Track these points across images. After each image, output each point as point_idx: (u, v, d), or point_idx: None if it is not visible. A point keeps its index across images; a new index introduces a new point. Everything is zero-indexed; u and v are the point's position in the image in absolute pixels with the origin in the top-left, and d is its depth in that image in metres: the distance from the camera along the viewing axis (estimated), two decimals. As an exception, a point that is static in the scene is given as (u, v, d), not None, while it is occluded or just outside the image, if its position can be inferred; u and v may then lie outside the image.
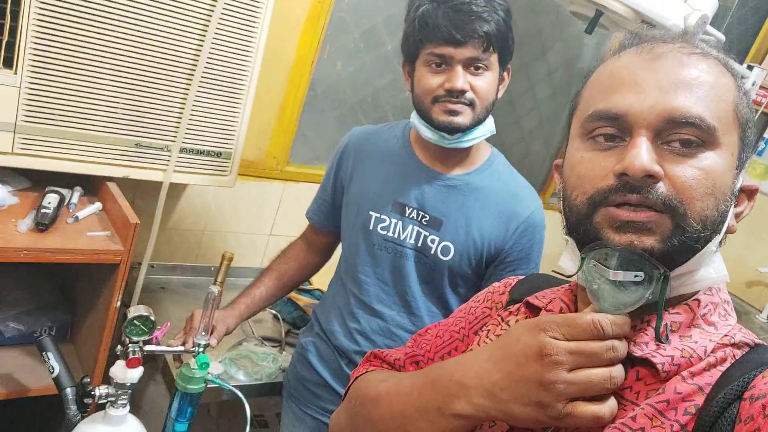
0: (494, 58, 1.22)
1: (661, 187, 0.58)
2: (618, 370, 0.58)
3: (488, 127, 1.28)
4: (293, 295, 1.97)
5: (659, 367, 0.59)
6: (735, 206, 0.63)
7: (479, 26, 1.16)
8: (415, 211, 1.30)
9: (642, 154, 0.58)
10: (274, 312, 1.93)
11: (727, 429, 0.54)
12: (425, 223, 1.29)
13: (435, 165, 1.31)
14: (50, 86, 1.33)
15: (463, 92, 1.19)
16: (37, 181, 1.48)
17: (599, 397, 0.58)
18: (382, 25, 2.04)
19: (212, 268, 2.01)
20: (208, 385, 1.36)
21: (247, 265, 2.12)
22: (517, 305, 0.80)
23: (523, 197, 1.31)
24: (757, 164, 2.72)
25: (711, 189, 0.58)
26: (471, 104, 1.21)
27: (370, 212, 1.33)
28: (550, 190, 2.85)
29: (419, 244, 1.30)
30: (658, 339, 0.60)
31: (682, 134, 0.58)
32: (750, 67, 2.34)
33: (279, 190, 2.10)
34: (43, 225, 1.30)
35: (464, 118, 1.21)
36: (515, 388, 0.60)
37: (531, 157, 2.73)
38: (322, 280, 1.92)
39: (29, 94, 1.31)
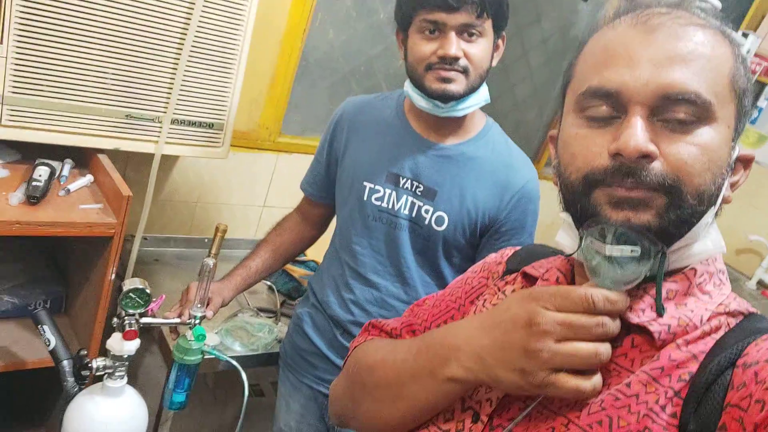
0: (488, 25, 1.20)
1: (657, 167, 0.57)
2: (605, 347, 0.58)
3: (482, 95, 1.27)
4: (288, 266, 1.97)
5: (656, 335, 0.60)
6: (731, 176, 0.63)
7: None
8: (409, 181, 1.30)
9: (637, 133, 0.57)
10: (269, 283, 1.93)
11: (720, 395, 0.55)
12: (419, 193, 1.29)
13: (429, 135, 1.30)
14: (38, 57, 1.30)
15: (456, 59, 1.18)
16: (26, 153, 1.46)
17: (585, 372, 0.58)
18: (374, -8, 2.00)
19: (206, 240, 2.01)
20: (205, 357, 1.37)
21: (241, 236, 2.11)
22: (513, 275, 0.80)
23: (518, 167, 1.31)
24: (751, 132, 2.72)
25: (707, 164, 0.58)
26: (465, 71, 1.19)
27: (365, 183, 1.33)
28: (544, 159, 2.85)
29: (413, 215, 1.30)
30: (659, 313, 0.61)
31: (677, 110, 0.58)
32: (745, 35, 2.33)
33: (272, 161, 2.09)
34: (34, 198, 1.28)
35: (458, 85, 1.20)
36: (501, 354, 0.61)
37: (525, 125, 2.72)
38: (316, 251, 1.92)
39: (17, 64, 1.28)
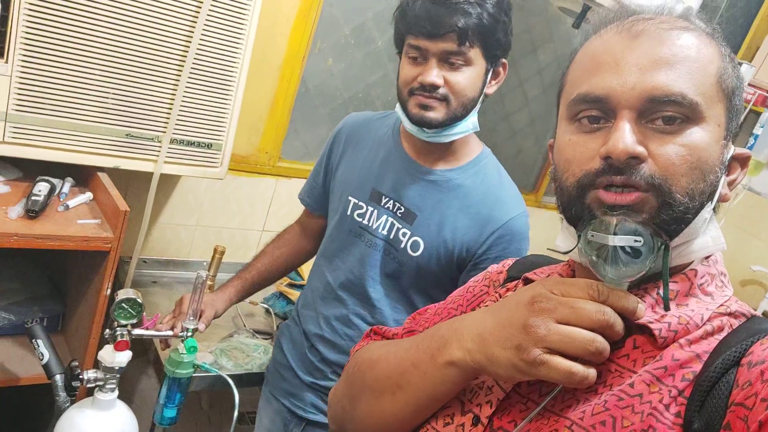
0: (475, 53, 1.17)
1: (645, 167, 0.59)
2: (603, 339, 0.58)
3: (470, 123, 1.24)
4: (285, 289, 1.98)
5: (656, 332, 0.60)
6: (727, 174, 0.64)
7: (456, 20, 1.12)
8: (391, 201, 1.28)
9: (625, 136, 0.59)
10: (266, 306, 1.94)
11: (724, 394, 0.55)
12: (400, 215, 1.27)
13: (419, 158, 1.29)
14: (41, 75, 1.34)
15: (435, 87, 1.16)
16: (28, 171, 1.49)
17: (583, 363, 0.58)
18: (372, 22, 2.06)
19: (204, 263, 2.02)
20: (197, 372, 1.36)
21: (240, 260, 2.11)
22: (514, 282, 0.81)
23: (505, 202, 1.25)
24: (748, 160, 2.74)
25: (696, 163, 0.59)
26: (444, 99, 1.17)
27: (350, 197, 1.33)
28: (543, 189, 2.87)
29: (391, 236, 1.27)
30: (667, 308, 0.61)
31: (664, 112, 0.59)
32: (739, 64, 2.37)
33: (271, 185, 2.11)
34: (33, 212, 1.31)
35: (436, 113, 1.18)
36: (501, 332, 0.62)
37: (523, 154, 2.75)
38: (314, 274, 1.93)
39: (20, 82, 1.32)
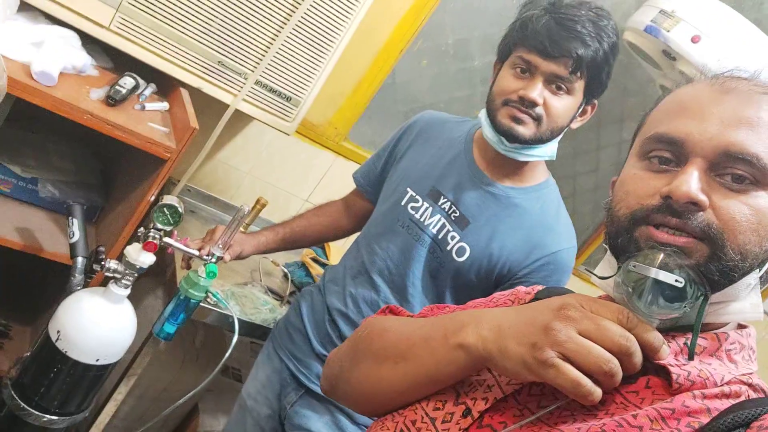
0: (579, 85, 1.19)
1: (703, 216, 0.59)
2: (617, 363, 0.57)
3: (549, 150, 1.26)
4: (308, 261, 2.00)
5: (674, 377, 0.59)
6: None
7: (575, 46, 1.14)
8: (448, 203, 1.29)
9: (690, 180, 0.59)
10: (285, 270, 1.96)
11: None
12: (453, 218, 1.28)
13: (486, 169, 1.30)
14: (163, -21, 1.40)
15: (534, 104, 1.17)
16: (118, 64, 1.54)
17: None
18: (477, 40, 2.08)
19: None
20: (208, 299, 1.38)
21: (275, 221, 2.14)
22: None
23: (558, 232, 1.27)
24: None
25: (756, 226, 0.59)
26: (537, 119, 1.19)
27: (408, 188, 1.34)
28: (584, 257, 2.83)
29: (439, 236, 1.28)
30: (691, 357, 0.61)
31: (735, 169, 0.59)
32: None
33: (329, 161, 2.14)
34: (112, 100, 1.35)
35: (526, 129, 1.19)
36: (521, 327, 0.62)
37: (578, 217, 2.72)
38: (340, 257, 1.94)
39: (142, -21, 1.38)
